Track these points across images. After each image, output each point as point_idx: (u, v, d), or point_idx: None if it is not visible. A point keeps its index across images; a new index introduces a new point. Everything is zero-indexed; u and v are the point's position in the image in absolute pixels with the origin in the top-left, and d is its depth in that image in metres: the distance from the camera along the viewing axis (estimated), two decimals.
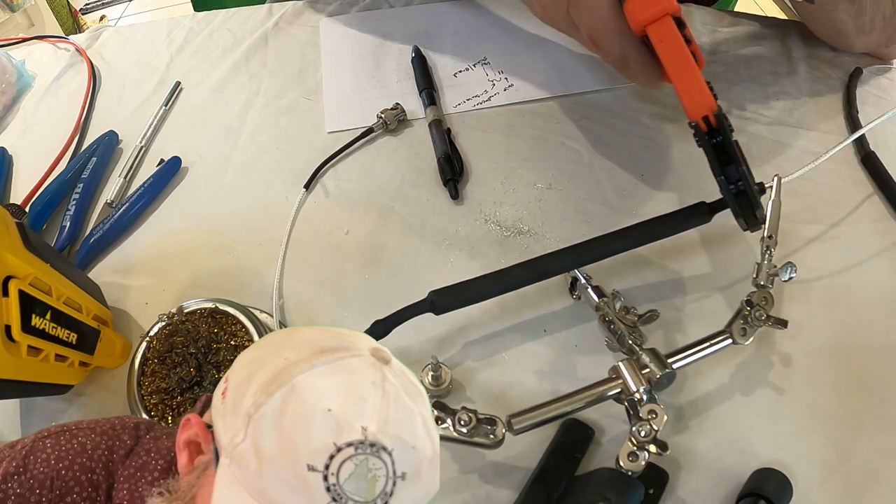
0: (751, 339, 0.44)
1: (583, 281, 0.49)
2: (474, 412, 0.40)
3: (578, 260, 0.47)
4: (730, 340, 0.44)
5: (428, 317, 0.46)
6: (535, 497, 0.42)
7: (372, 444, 0.23)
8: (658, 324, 0.47)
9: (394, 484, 0.24)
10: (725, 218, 0.47)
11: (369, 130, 0.63)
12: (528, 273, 0.46)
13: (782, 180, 0.49)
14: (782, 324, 0.44)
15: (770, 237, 0.46)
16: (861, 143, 0.59)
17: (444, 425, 0.40)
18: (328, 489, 0.23)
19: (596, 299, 0.47)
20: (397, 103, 0.64)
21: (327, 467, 0.23)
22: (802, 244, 0.54)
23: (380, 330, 0.44)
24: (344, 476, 0.23)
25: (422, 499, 0.25)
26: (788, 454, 0.44)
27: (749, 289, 0.46)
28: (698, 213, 0.48)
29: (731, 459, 0.44)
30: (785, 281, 0.45)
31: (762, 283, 0.45)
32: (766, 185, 0.48)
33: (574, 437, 0.44)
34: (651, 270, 0.53)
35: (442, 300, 0.45)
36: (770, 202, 0.47)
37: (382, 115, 0.63)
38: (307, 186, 0.59)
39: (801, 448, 0.44)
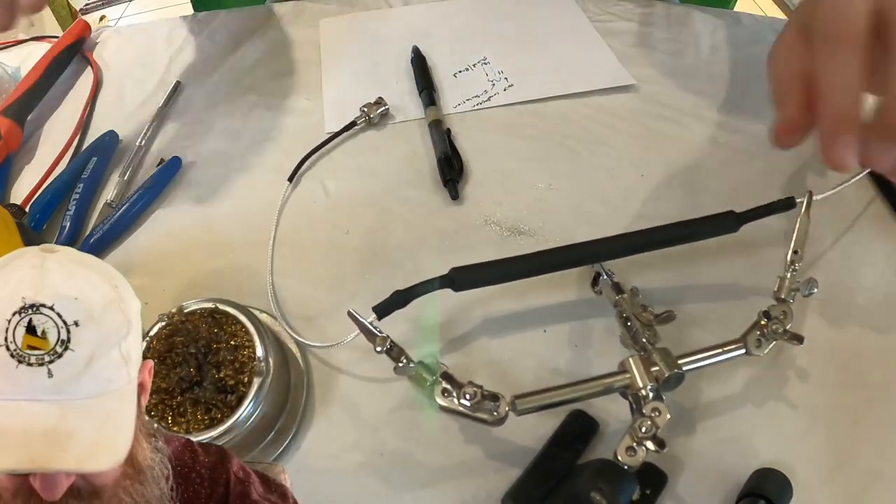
0: (766, 352, 0.43)
1: (605, 276, 0.49)
2: (480, 387, 0.41)
3: (602, 253, 0.47)
4: (743, 350, 0.43)
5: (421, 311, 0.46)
6: (534, 481, 0.42)
7: (32, 306, 0.26)
8: (672, 326, 0.47)
9: (68, 332, 0.27)
10: (748, 227, 0.47)
11: (352, 124, 0.63)
12: (549, 261, 0.47)
13: (814, 198, 0.48)
14: (798, 339, 0.44)
15: (796, 252, 0.46)
16: None
17: (450, 398, 0.41)
18: (12, 355, 0.26)
19: (615, 295, 0.48)
20: (380, 97, 0.64)
21: (6, 339, 0.26)
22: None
23: (399, 300, 0.45)
24: (20, 339, 0.26)
25: (108, 336, 0.28)
26: (788, 454, 0.44)
27: (768, 300, 0.45)
28: (726, 222, 0.48)
29: (731, 459, 0.44)
30: (805, 296, 0.45)
31: (783, 296, 0.44)
32: (797, 200, 0.47)
33: (578, 428, 0.45)
34: (670, 272, 0.53)
35: (462, 277, 0.45)
36: (798, 218, 0.47)
37: (365, 109, 0.63)
38: (291, 179, 0.60)
39: (801, 448, 0.44)
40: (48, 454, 0.25)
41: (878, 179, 0.57)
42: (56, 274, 0.28)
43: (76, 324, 0.27)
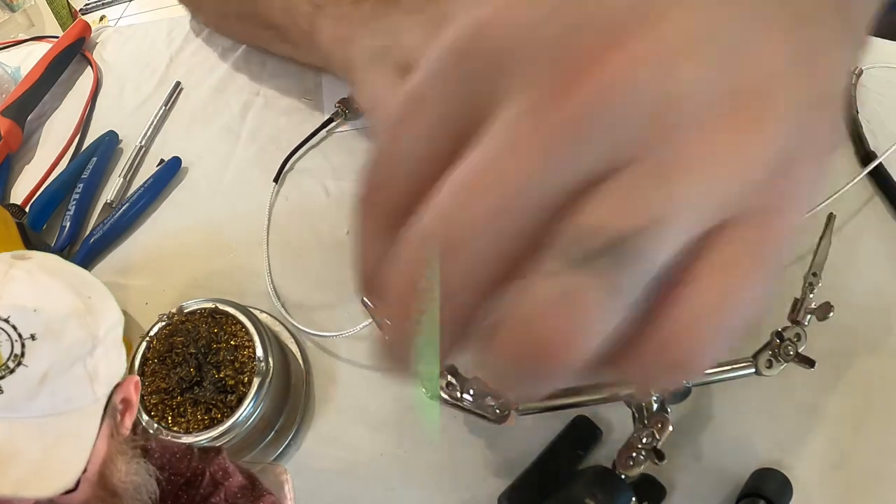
0: (776, 373, 0.42)
1: None
2: (485, 383, 0.40)
3: None
4: (753, 370, 0.42)
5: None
6: (531, 484, 0.42)
7: None
8: None
9: (23, 345, 0.25)
10: None
11: (329, 120, 0.63)
12: None
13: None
14: (809, 363, 0.42)
15: (815, 274, 0.45)
16: (861, 143, 0.59)
17: (454, 391, 0.40)
18: None
19: None
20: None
21: None
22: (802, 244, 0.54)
23: None
24: None
25: (68, 352, 0.26)
26: (788, 454, 0.44)
27: (781, 321, 0.44)
28: None
29: (731, 459, 0.44)
30: (821, 320, 0.43)
31: (798, 318, 0.43)
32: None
33: (580, 434, 0.44)
34: None
35: None
36: (820, 238, 0.46)
37: (339, 105, 0.63)
38: (276, 179, 0.60)
39: (801, 448, 0.44)
40: None
41: (876, 177, 0.57)
42: (19, 283, 0.26)
43: (32, 337, 0.25)
